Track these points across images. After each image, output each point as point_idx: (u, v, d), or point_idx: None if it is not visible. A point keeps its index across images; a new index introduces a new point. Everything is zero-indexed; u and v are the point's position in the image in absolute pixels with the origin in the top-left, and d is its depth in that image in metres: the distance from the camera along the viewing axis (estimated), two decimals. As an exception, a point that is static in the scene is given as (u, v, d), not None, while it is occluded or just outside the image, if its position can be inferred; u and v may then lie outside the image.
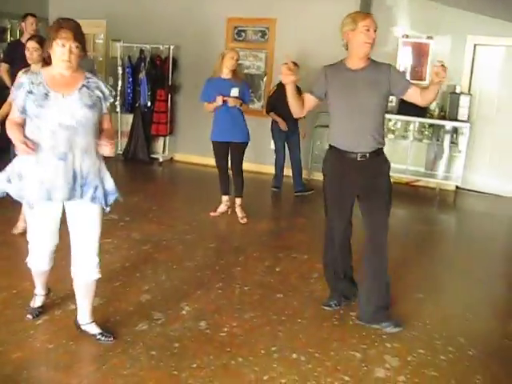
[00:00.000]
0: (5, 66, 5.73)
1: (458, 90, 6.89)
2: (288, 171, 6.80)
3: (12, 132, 2.65)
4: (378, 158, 3.23)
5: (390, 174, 3.30)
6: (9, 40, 7.96)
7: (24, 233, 3.27)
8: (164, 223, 5.22)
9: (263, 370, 2.79)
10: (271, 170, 6.93)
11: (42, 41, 4.10)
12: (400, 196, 6.12)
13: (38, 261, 2.96)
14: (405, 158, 7.16)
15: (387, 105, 3.37)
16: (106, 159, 2.85)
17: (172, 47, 7.90)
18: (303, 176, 6.84)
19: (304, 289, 3.86)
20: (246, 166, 5.56)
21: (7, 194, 2.74)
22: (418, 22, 7.11)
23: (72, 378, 2.63)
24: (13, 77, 4.31)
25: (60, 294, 3.43)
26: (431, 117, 7.04)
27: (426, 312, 3.60)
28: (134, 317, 3.27)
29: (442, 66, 2.84)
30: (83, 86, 2.70)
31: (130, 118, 8.27)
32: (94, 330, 2.98)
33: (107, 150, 2.72)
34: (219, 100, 5.12)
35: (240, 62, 5.75)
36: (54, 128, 2.60)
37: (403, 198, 6.59)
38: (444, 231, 6.04)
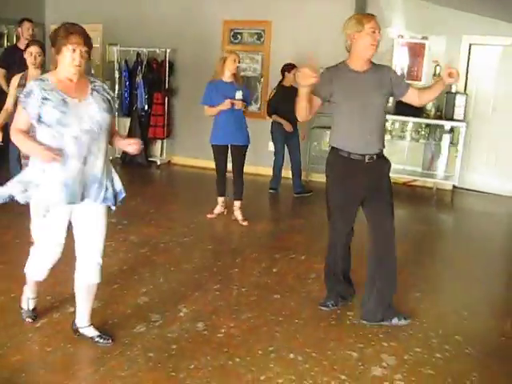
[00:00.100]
0: (1, 71, 5.74)
1: (453, 90, 6.91)
2: (286, 173, 6.81)
3: (24, 142, 2.63)
4: (382, 159, 3.25)
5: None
6: (5, 45, 7.97)
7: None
8: (162, 226, 5.23)
9: (260, 370, 2.80)
10: (268, 171, 6.95)
11: (43, 46, 4.13)
12: (398, 196, 6.07)
13: (38, 273, 2.97)
14: (402, 158, 7.19)
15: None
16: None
17: (168, 51, 7.93)
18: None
19: (301, 289, 3.87)
20: (244, 168, 5.58)
21: (12, 200, 2.70)
22: (413, 23, 7.13)
23: (70, 381, 2.64)
24: (9, 82, 4.32)
25: (58, 297, 3.45)
26: (427, 117, 7.07)
27: (423, 310, 3.61)
28: (132, 319, 3.28)
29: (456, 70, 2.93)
30: (92, 90, 2.72)
31: (127, 121, 8.29)
32: (92, 332, 2.99)
33: (136, 148, 2.79)
34: (228, 104, 5.08)
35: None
36: (76, 134, 2.59)
37: (401, 198, 6.58)
38: (442, 230, 6.06)
